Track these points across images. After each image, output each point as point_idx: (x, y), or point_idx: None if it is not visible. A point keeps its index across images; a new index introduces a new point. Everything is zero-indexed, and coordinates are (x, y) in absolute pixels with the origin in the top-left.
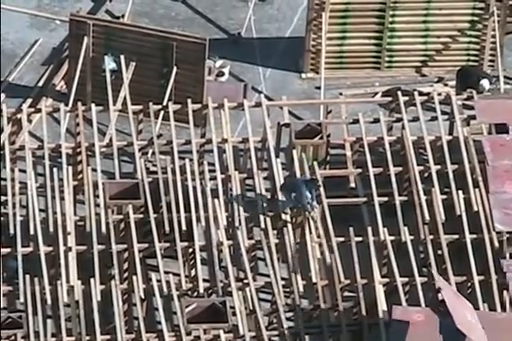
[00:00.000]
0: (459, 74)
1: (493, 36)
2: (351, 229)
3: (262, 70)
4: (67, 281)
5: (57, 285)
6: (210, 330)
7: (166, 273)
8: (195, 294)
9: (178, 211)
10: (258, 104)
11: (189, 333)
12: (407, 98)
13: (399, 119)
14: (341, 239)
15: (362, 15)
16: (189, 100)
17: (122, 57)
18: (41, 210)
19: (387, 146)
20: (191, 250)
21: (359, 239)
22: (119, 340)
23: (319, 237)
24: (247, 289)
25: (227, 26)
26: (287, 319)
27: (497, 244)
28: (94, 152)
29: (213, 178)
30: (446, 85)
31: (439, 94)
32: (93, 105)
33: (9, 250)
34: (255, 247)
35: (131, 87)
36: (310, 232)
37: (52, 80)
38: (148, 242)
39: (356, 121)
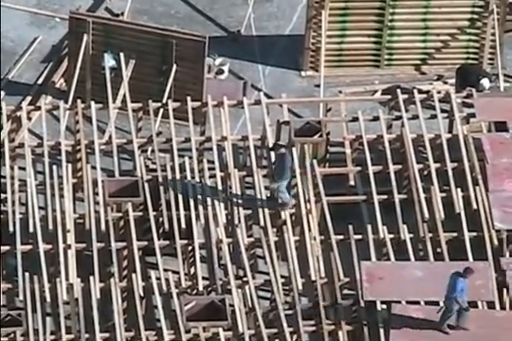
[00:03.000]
0: (458, 72)
1: (493, 34)
2: (350, 227)
3: (261, 68)
4: (67, 279)
5: (56, 283)
6: (209, 327)
7: (165, 271)
8: (195, 291)
9: (178, 209)
10: (257, 102)
11: (188, 331)
12: (406, 96)
13: (399, 117)
14: (341, 236)
15: (362, 13)
16: (188, 98)
17: (122, 54)
18: (40, 208)
19: (386, 144)
20: (190, 248)
21: (359, 237)
22: (119, 338)
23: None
24: (247, 287)
25: (226, 24)
26: (287, 317)
27: (496, 243)
28: (93, 149)
29: (213, 176)
30: (445, 83)
31: (438, 92)
32: (92, 103)
33: (8, 248)
34: (254, 245)
35: (130, 85)
36: (309, 230)
37: (52, 78)
38: (147, 240)
39: (356, 119)
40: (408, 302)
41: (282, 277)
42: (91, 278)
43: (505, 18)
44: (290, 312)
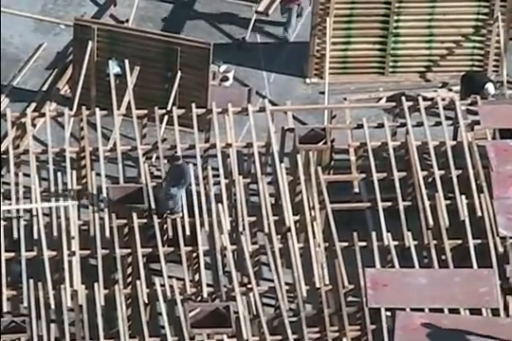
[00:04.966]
0: (463, 79)
1: (497, 41)
2: (355, 234)
3: (266, 75)
4: (71, 286)
5: (61, 289)
6: (213, 334)
7: (170, 277)
8: (199, 298)
9: (182, 216)
10: (262, 109)
11: (192, 338)
12: (411, 104)
13: (403, 124)
14: (345, 243)
15: (366, 20)
16: (193, 105)
17: (127, 61)
18: (45, 215)
19: (391, 151)
20: (194, 255)
21: (363, 243)
22: None
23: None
24: (251, 294)
25: (231, 31)
26: (291, 324)
27: (501, 250)
28: (98, 156)
29: (217, 183)
30: (450, 90)
31: (443, 99)
32: (97, 109)
33: (12, 254)
34: (259, 252)
35: (135, 92)
36: (314, 237)
37: (56, 85)
38: (152, 247)
39: (361, 126)
40: (412, 309)
41: (286, 284)
42: (95, 284)
43: (510, 25)
44: (295, 319)
